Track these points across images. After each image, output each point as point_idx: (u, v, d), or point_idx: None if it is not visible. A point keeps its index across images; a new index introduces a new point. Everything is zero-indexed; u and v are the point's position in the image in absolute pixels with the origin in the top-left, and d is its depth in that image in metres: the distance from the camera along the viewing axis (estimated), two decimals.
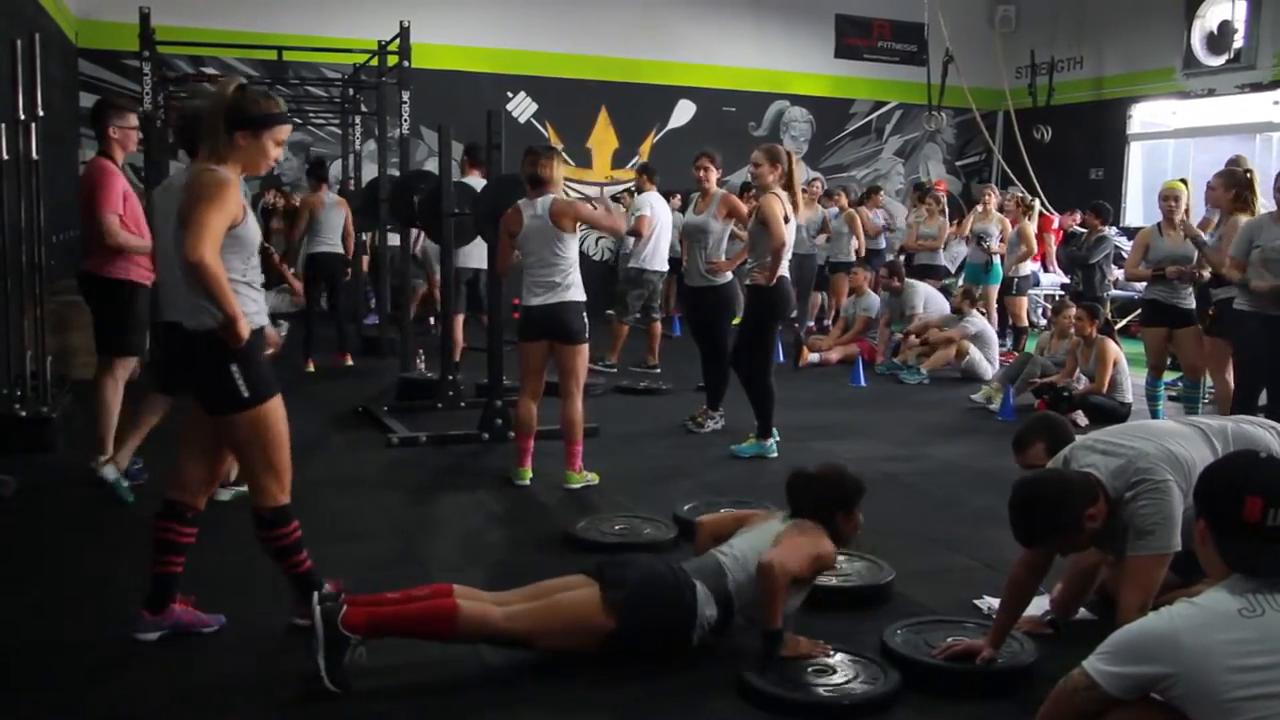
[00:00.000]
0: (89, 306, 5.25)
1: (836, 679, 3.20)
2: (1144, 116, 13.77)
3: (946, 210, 11.37)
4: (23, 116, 5.64)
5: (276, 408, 3.37)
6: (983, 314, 9.56)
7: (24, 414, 5.76)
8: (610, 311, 9.34)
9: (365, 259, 10.68)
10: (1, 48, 5.82)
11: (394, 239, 9.60)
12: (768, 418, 6.12)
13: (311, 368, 8.49)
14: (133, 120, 5.26)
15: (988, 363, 8.95)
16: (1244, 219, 5.84)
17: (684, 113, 13.71)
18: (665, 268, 8.93)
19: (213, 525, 3.62)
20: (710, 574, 3.39)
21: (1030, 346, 8.88)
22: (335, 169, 11.02)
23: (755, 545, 3.40)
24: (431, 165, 10.11)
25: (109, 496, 4.85)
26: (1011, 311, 10.38)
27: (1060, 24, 14.34)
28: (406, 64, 8.22)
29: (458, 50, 12.41)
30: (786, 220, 5.91)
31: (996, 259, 10.23)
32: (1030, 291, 10.78)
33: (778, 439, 6.09)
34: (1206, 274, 6.34)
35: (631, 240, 8.87)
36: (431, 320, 10.60)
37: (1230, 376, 6.02)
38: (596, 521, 4.65)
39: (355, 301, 10.05)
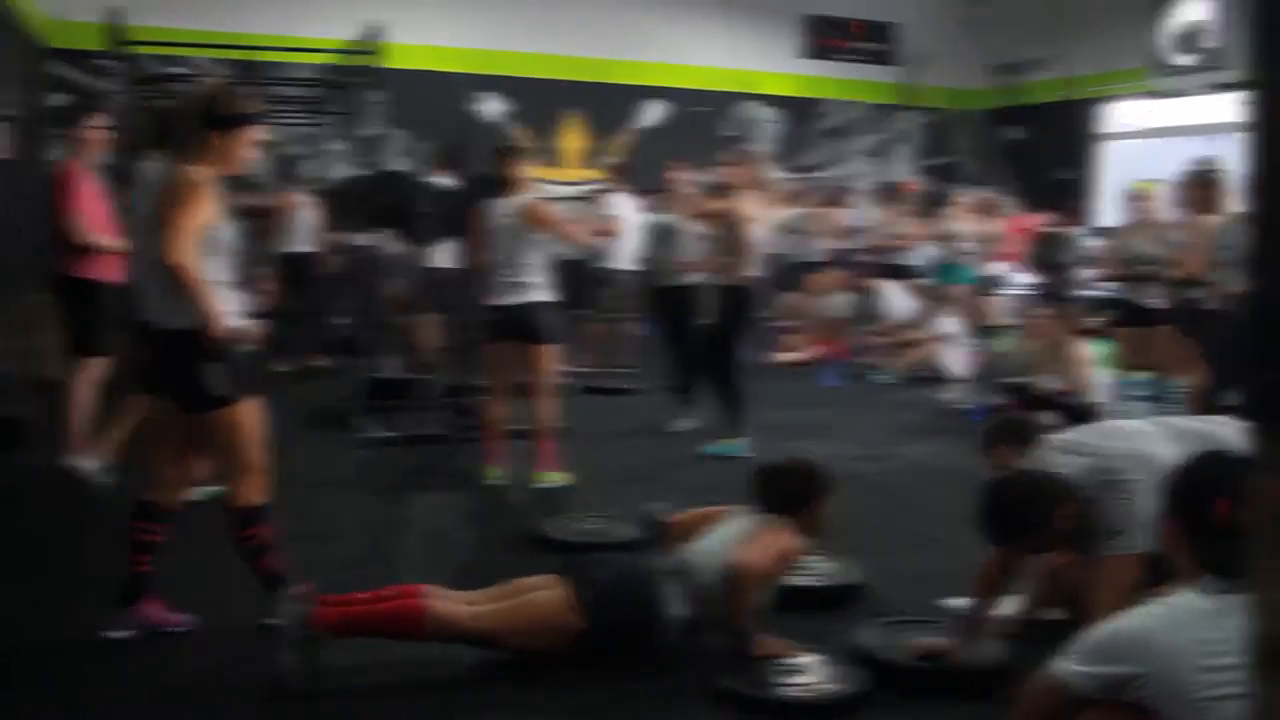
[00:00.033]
0: (60, 307, 5.24)
1: (806, 679, 3.22)
2: (1117, 116, 13.81)
3: (918, 210, 11.40)
4: None
5: (253, 407, 3.38)
6: (953, 315, 9.60)
7: None
8: (581, 311, 9.36)
9: (337, 259, 10.66)
10: None
11: (367, 239, 9.58)
12: (738, 417, 6.15)
13: (284, 367, 8.47)
14: (102, 121, 5.25)
15: (957, 363, 8.99)
16: (1213, 219, 5.88)
17: (655, 112, 13.69)
18: (636, 267, 8.96)
19: (186, 524, 3.62)
20: (680, 573, 3.40)
21: (1001, 347, 8.93)
22: (308, 169, 11.00)
23: (723, 543, 3.42)
24: (405, 165, 10.10)
25: (80, 495, 4.86)
26: (981, 312, 10.41)
27: (1032, 24, 14.37)
28: (378, 64, 8.21)
29: (429, 50, 12.36)
30: (756, 220, 5.93)
31: (969, 259, 10.26)
32: (1001, 291, 10.81)
33: (748, 439, 6.14)
34: (1177, 274, 6.38)
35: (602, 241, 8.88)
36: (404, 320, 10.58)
37: (1200, 376, 6.06)
38: (566, 521, 4.66)
39: (328, 301, 10.03)
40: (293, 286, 8.91)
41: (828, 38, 14.65)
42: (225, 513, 3.46)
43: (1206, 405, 5.79)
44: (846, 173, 14.86)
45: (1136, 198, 6.63)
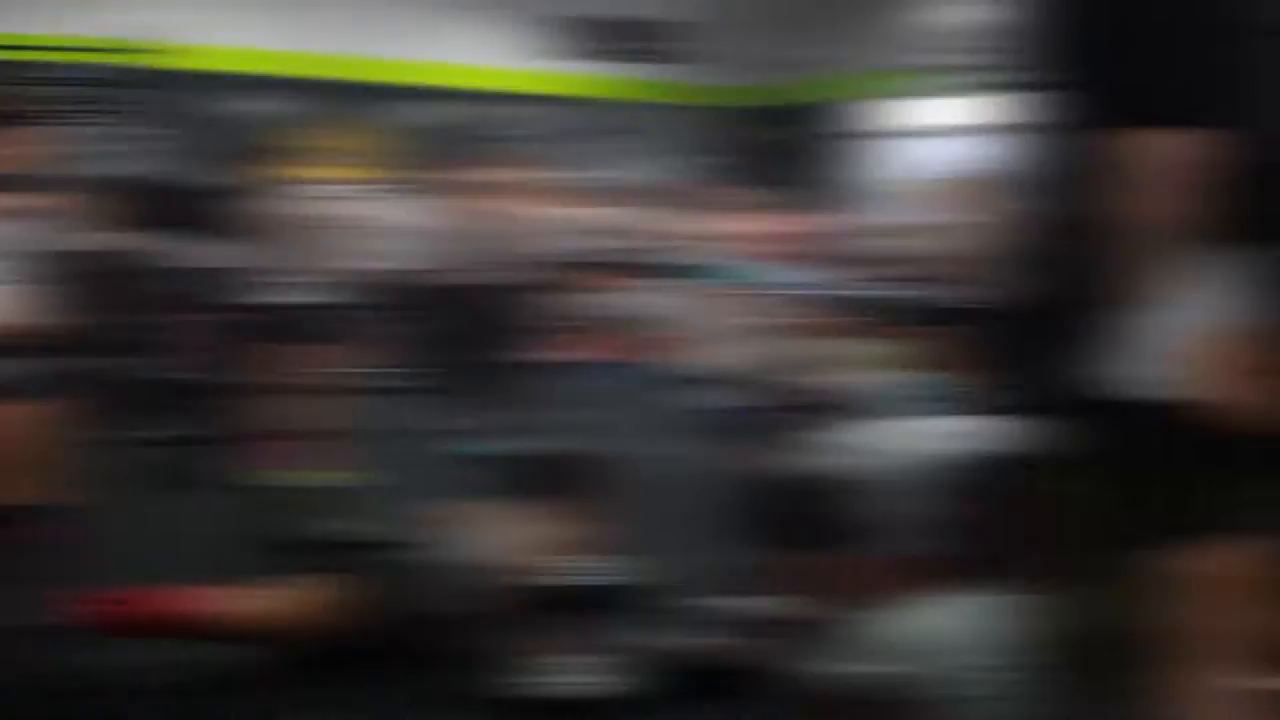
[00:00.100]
0: None
1: (574, 678, 3.25)
2: (888, 116, 14.12)
3: (689, 209, 11.52)
4: None
5: (28, 406, 3.32)
6: (724, 314, 9.72)
7: None
8: (357, 311, 9.26)
9: (108, 258, 10.38)
10: None
11: (137, 238, 9.36)
12: (509, 415, 6.17)
13: (57, 368, 8.15)
14: None
15: (729, 362, 9.10)
16: (985, 219, 6.05)
17: (431, 112, 13.63)
18: (408, 267, 8.91)
19: None
20: (448, 570, 3.41)
21: (772, 347, 9.13)
22: (83, 168, 10.69)
23: (490, 539, 3.44)
24: (178, 165, 9.90)
25: None
26: (752, 311, 10.57)
27: (803, 24, 14.64)
28: (153, 64, 8.06)
29: (206, 50, 12.13)
30: (528, 220, 5.96)
31: (740, 259, 10.40)
32: (772, 291, 10.99)
33: (520, 436, 6.09)
34: (950, 274, 6.56)
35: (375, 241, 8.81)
36: None
37: (975, 376, 6.23)
38: (336, 520, 4.64)
39: (97, 300, 9.77)
40: (67, 286, 8.62)
41: (602, 37, 14.72)
42: None
43: (981, 405, 5.97)
44: (618, 172, 14.95)
45: (909, 196, 6.83)
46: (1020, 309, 2.12)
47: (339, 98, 13.12)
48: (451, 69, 13.62)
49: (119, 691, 3.12)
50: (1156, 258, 1.87)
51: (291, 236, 5.13)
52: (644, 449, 6.81)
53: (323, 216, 5.50)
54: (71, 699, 3.03)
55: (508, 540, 3.43)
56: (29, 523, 3.43)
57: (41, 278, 7.43)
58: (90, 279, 9.11)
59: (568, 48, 14.46)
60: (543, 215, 10.11)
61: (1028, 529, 2.20)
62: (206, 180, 7.27)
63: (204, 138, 7.24)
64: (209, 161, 7.78)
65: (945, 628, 2.24)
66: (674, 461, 6.27)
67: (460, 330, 6.71)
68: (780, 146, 14.35)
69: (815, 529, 3.22)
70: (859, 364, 7.62)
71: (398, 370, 9.05)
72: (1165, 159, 1.84)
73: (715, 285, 10.53)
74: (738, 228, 10.35)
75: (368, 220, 8.92)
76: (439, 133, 13.03)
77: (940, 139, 13.56)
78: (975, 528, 2.33)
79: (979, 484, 2.38)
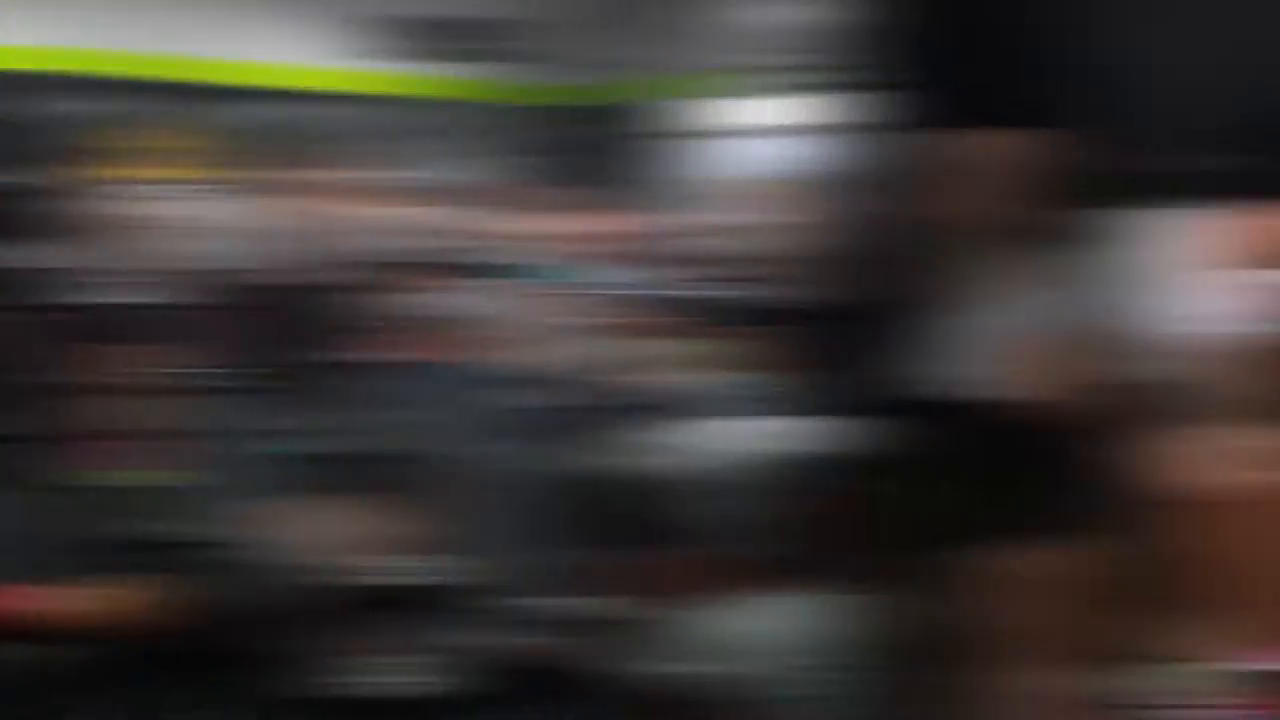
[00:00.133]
0: None
1: (398, 678, 3.23)
2: (703, 116, 14.19)
3: (509, 209, 11.49)
4: None
5: None
6: (545, 313, 9.71)
7: None
8: (181, 310, 9.10)
9: None
10: None
11: None
12: (327, 414, 6.10)
13: None
14: None
15: (550, 361, 9.08)
16: (770, 220, 6.10)
17: (253, 111, 13.41)
18: (229, 266, 8.77)
19: None
20: (279, 569, 3.38)
21: (594, 347, 9.15)
22: None
23: (319, 536, 3.41)
24: None
25: None
26: (564, 309, 10.56)
27: (618, 23, 14.68)
28: None
29: (15, 50, 11.80)
30: (349, 219, 5.91)
31: (560, 258, 10.38)
32: (593, 290, 11.00)
33: (339, 435, 6.03)
34: (773, 274, 6.62)
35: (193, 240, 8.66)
36: None
37: (799, 376, 6.30)
38: (159, 521, 4.56)
39: None
40: None
41: (422, 36, 14.61)
42: None
43: (802, 406, 6.05)
44: (438, 172, 14.83)
45: (731, 196, 6.87)
46: (841, 309, 2.14)
47: (156, 97, 12.83)
48: (272, 68, 13.40)
49: None
50: (976, 259, 1.90)
51: (111, 236, 5.01)
52: (465, 448, 6.78)
53: (142, 216, 5.40)
54: None
55: (328, 539, 3.39)
56: None
57: None
58: None
59: (388, 47, 14.33)
60: (363, 215, 10.01)
61: (847, 529, 2.22)
62: (19, 180, 7.06)
63: (14, 138, 7.01)
64: (21, 162, 7.54)
65: (766, 628, 2.26)
66: (495, 461, 6.23)
67: (282, 330, 6.61)
68: (601, 146, 14.36)
69: (636, 529, 3.24)
70: (680, 364, 7.68)
71: (219, 370, 8.85)
72: (988, 161, 1.88)
73: (536, 285, 10.48)
74: (558, 227, 10.32)
75: (187, 220, 8.76)
76: (259, 132, 12.79)
77: (764, 139, 13.70)
78: (795, 528, 2.35)
79: (800, 484, 2.40)
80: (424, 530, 3.75)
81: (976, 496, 1.97)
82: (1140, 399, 1.87)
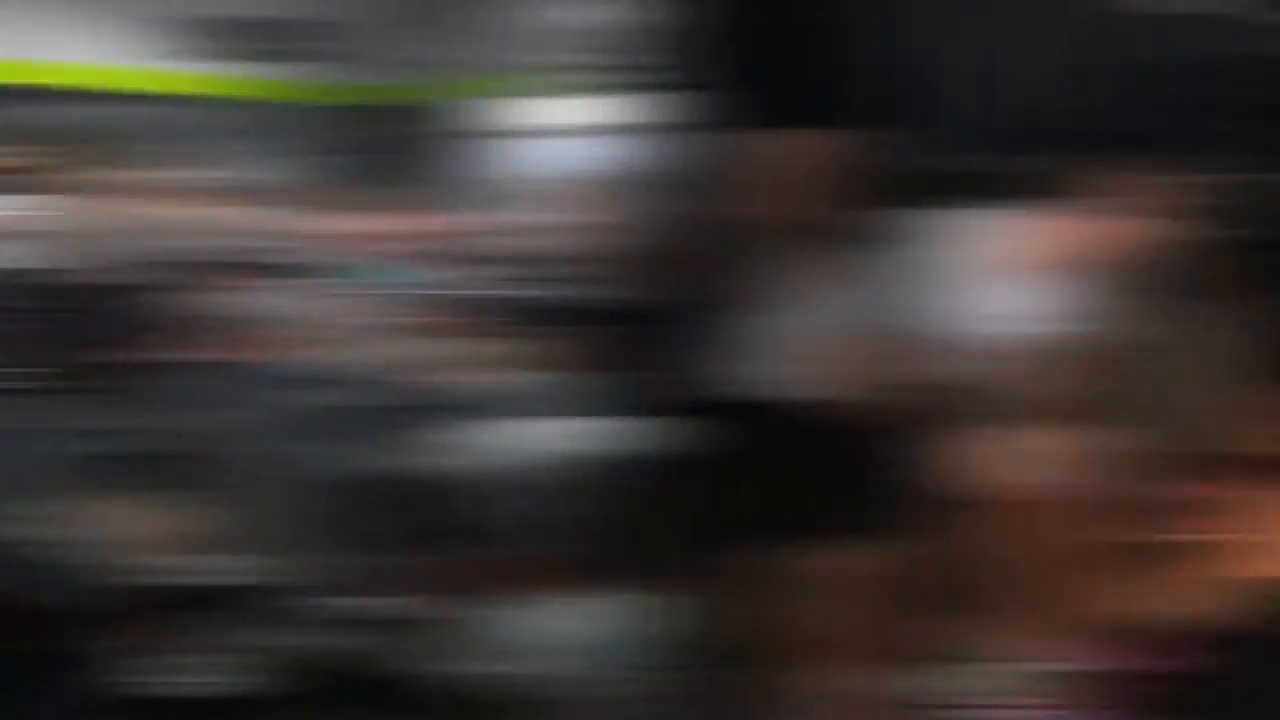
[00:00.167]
0: None
1: (197, 678, 3.16)
2: (507, 115, 14.21)
3: (311, 209, 11.35)
4: None
5: None
6: (347, 313, 9.60)
7: None
8: None
9: None
10: None
11: None
12: (134, 414, 5.98)
13: None
14: None
15: (339, 359, 8.98)
16: (603, 216, 6.11)
17: (42, 112, 13.04)
18: (24, 266, 8.56)
19: None
20: (78, 568, 3.28)
21: (397, 347, 9.08)
22: None
23: (119, 536, 3.32)
24: None
25: None
26: (367, 309, 10.46)
27: (421, 23, 14.63)
28: None
29: None
30: (149, 219, 5.79)
31: (363, 258, 10.28)
32: (395, 290, 10.93)
33: (153, 434, 5.92)
34: (579, 274, 6.61)
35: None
36: None
37: (606, 376, 6.31)
38: None
39: None
40: None
41: (224, 36, 14.40)
42: None
43: (605, 406, 6.06)
44: (241, 171, 14.58)
45: (535, 196, 6.86)
46: (643, 309, 2.12)
47: None
48: (73, 68, 13.08)
49: None
50: (779, 259, 1.89)
51: None
52: (269, 448, 6.65)
53: None
54: None
55: (131, 539, 3.30)
56: None
57: None
58: None
59: (190, 46, 14.07)
60: (166, 214, 9.81)
61: (650, 529, 2.21)
62: None
63: None
64: None
65: (569, 628, 2.24)
66: (299, 461, 6.12)
67: (83, 329, 6.45)
68: (404, 145, 14.25)
69: (439, 529, 3.21)
70: (483, 364, 7.63)
71: (16, 369, 8.58)
72: (790, 161, 1.87)
73: (339, 284, 10.33)
74: (361, 227, 10.18)
75: None
76: (61, 133, 12.41)
77: (567, 139, 13.74)
78: (598, 528, 2.33)
79: (602, 484, 2.38)
80: (227, 530, 3.67)
81: (778, 497, 1.96)
82: (941, 399, 1.88)
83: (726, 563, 2.00)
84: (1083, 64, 1.91)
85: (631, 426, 2.24)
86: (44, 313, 7.19)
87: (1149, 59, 1.94)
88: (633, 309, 2.12)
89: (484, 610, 2.65)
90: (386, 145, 14.05)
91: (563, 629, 2.39)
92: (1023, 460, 1.84)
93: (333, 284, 9.87)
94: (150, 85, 13.63)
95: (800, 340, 1.87)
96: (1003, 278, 1.82)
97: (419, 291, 9.62)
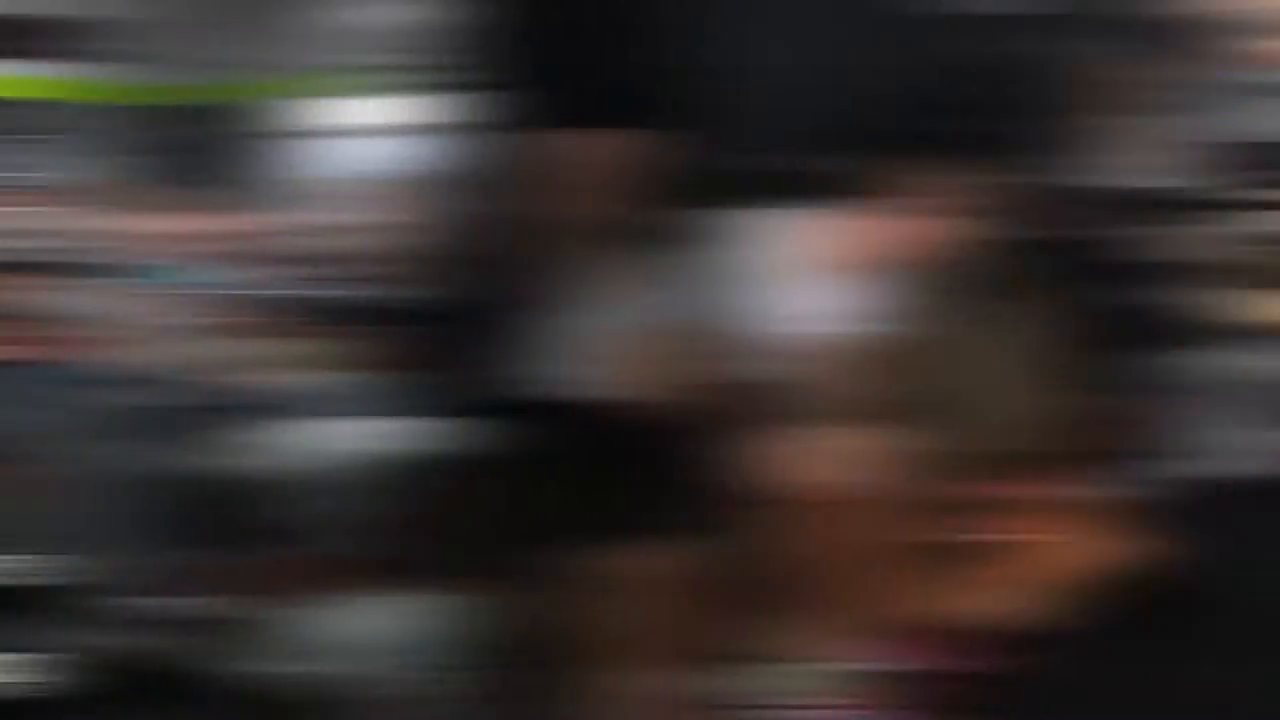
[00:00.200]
0: None
1: (3, 678, 3.07)
2: (309, 115, 14.00)
3: (111, 209, 11.06)
4: None
5: None
6: (148, 314, 9.38)
7: None
8: None
9: None
10: None
11: None
12: None
13: None
14: None
15: (141, 358, 8.77)
16: (415, 218, 6.06)
17: None
18: None
19: None
20: None
21: (197, 347, 8.91)
22: None
23: None
24: None
25: None
26: (168, 309, 10.23)
27: (223, 22, 14.33)
28: None
29: None
30: None
31: (163, 258, 10.05)
32: (197, 290, 10.71)
33: None
34: (383, 273, 6.53)
35: None
36: None
37: (409, 376, 6.25)
38: None
39: None
40: None
41: (18, 35, 13.94)
42: None
43: (408, 406, 5.99)
44: (39, 171, 14.16)
45: (337, 196, 6.76)
46: (444, 309, 2.10)
47: None
48: None
49: None
50: (580, 258, 1.88)
51: None
52: (70, 448, 6.45)
53: None
54: None
55: None
56: None
57: None
58: None
59: None
60: None
61: (452, 529, 2.19)
62: None
63: None
64: None
65: (370, 628, 2.21)
66: (100, 460, 5.96)
67: None
68: (206, 145, 13.95)
69: (241, 529, 3.15)
70: (284, 364, 7.49)
71: None
72: (590, 159, 1.86)
73: (141, 284, 10.03)
74: (162, 226, 9.91)
75: None
76: None
77: (368, 138, 13.53)
78: (401, 528, 2.30)
79: (404, 484, 2.35)
80: (23, 528, 3.56)
81: (580, 497, 1.95)
82: (743, 399, 1.88)
83: (528, 563, 1.99)
84: (882, 65, 1.93)
85: (433, 426, 2.22)
86: None
87: (946, 60, 1.96)
88: (433, 309, 2.10)
89: (286, 610, 2.62)
90: (188, 145, 13.74)
91: (365, 629, 2.36)
92: (825, 459, 1.86)
93: (135, 284, 9.61)
94: None
95: (602, 340, 1.86)
96: (804, 277, 1.83)
97: (221, 291, 9.43)
